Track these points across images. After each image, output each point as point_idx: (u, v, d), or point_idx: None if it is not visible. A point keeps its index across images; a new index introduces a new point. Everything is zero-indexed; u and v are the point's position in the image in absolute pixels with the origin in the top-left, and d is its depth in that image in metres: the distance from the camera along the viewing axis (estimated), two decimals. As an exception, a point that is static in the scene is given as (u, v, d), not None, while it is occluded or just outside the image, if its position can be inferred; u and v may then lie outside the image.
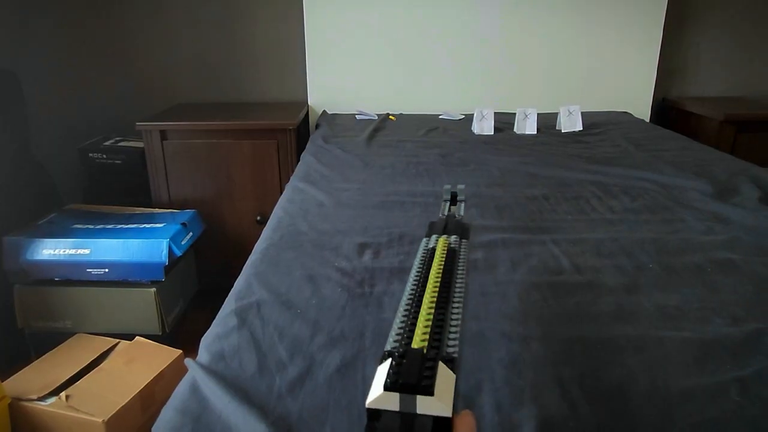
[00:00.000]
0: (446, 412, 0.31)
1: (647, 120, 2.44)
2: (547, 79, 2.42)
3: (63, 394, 1.45)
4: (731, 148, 2.12)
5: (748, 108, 2.23)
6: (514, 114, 2.11)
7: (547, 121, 2.15)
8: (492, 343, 0.74)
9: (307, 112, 2.42)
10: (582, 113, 2.12)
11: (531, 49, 2.38)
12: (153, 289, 1.76)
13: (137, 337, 1.73)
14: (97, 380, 1.54)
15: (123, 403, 1.45)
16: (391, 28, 2.34)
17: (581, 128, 2.08)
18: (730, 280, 0.93)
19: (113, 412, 1.42)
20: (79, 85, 2.40)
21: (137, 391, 1.51)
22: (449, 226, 0.55)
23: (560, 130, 2.10)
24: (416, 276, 0.44)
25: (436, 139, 1.95)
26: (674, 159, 1.68)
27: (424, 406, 0.31)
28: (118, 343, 1.70)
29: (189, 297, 2.06)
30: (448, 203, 0.68)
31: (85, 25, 2.34)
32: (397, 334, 0.37)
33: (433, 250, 0.48)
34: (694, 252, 1.04)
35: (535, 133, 2.05)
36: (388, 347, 0.36)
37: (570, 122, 2.10)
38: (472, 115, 2.28)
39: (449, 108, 2.40)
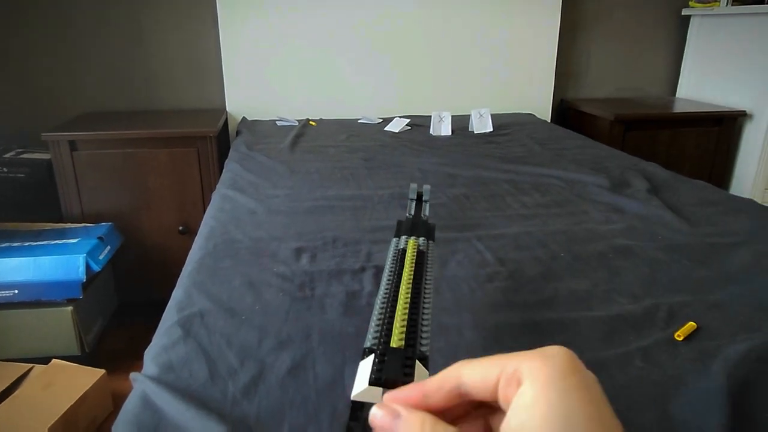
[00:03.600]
0: None
1: (549, 120, 2.64)
2: (458, 83, 2.55)
3: (-26, 427, 1.35)
4: (621, 145, 2.35)
5: (634, 108, 2.48)
6: (430, 117, 2.21)
7: (461, 123, 2.28)
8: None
9: (226, 119, 2.38)
10: (491, 115, 2.26)
11: (442, 56, 2.50)
12: (69, 308, 1.68)
13: (54, 360, 1.64)
14: (12, 409, 1.45)
15: (44, 431, 1.38)
16: (307, 34, 2.36)
17: (492, 129, 2.22)
18: (629, 264, 1.05)
19: (35, 441, 1.34)
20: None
21: (58, 417, 1.44)
22: (416, 226, 0.60)
23: (473, 132, 2.22)
24: (389, 276, 0.49)
25: (358, 143, 2.00)
26: (574, 156, 1.84)
27: None
28: (32, 368, 1.61)
29: (109, 314, 1.98)
30: (413, 202, 0.72)
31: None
32: (376, 332, 0.41)
33: (404, 251, 0.53)
34: (597, 241, 1.16)
35: (450, 134, 2.17)
36: (367, 344, 0.40)
37: (481, 124, 2.23)
38: (391, 118, 2.37)
39: (367, 112, 2.46)
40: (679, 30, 2.75)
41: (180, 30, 2.33)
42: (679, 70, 2.80)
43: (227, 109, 2.39)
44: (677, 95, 2.82)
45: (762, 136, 2.35)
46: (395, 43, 2.44)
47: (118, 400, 1.67)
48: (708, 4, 2.58)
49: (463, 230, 1.20)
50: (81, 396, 1.52)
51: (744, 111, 2.40)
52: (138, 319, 2.06)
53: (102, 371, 1.62)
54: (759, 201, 2.39)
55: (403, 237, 0.57)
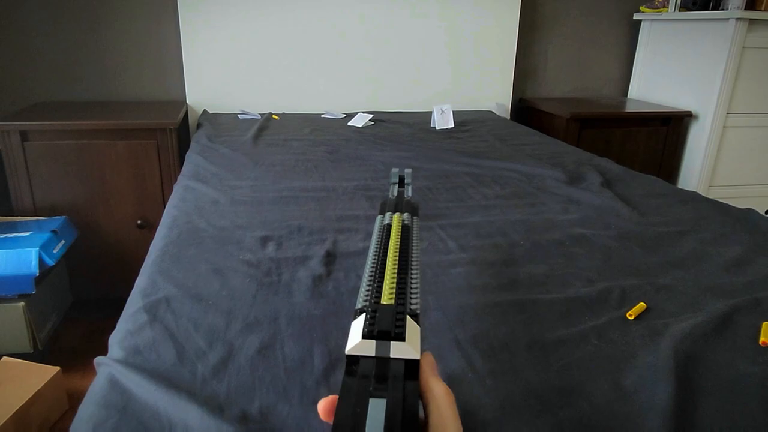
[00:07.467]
0: (415, 355, 0.36)
1: (508, 117, 2.71)
2: (420, 80, 2.58)
3: None
4: (577, 142, 2.44)
5: (589, 108, 2.57)
6: (392, 112, 2.23)
7: (423, 119, 2.31)
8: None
9: (186, 112, 2.34)
10: (453, 112, 2.31)
11: (406, 52, 2.53)
12: (21, 304, 1.62)
13: (4, 357, 1.58)
14: (-39, 408, 1.39)
15: (-5, 429, 1.33)
16: (270, 27, 2.35)
17: (453, 125, 2.26)
18: (584, 251, 1.10)
19: (-15, 439, 1.29)
20: None
21: (9, 416, 1.39)
22: (400, 205, 0.61)
23: (434, 128, 2.26)
24: (376, 246, 0.49)
25: (322, 137, 2.01)
26: (533, 152, 1.90)
27: (397, 350, 0.36)
28: (-18, 365, 1.54)
29: (63, 310, 1.91)
30: (395, 186, 0.73)
31: None
32: (366, 295, 0.41)
33: (389, 225, 0.54)
34: (554, 229, 1.21)
35: (412, 130, 2.19)
36: (358, 305, 0.40)
37: (443, 120, 2.27)
38: (354, 113, 2.38)
39: (330, 107, 2.47)
40: (631, 33, 2.87)
41: (138, 18, 2.28)
42: (631, 71, 2.92)
43: (187, 102, 2.35)
44: (628, 96, 2.94)
45: (706, 136, 2.48)
46: (358, 40, 2.46)
47: (73, 398, 1.62)
48: (657, 10, 2.70)
49: (427, 220, 1.23)
50: (33, 394, 1.47)
51: (690, 112, 2.53)
52: (93, 316, 2.01)
53: (56, 369, 1.57)
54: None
55: (388, 213, 0.57)
